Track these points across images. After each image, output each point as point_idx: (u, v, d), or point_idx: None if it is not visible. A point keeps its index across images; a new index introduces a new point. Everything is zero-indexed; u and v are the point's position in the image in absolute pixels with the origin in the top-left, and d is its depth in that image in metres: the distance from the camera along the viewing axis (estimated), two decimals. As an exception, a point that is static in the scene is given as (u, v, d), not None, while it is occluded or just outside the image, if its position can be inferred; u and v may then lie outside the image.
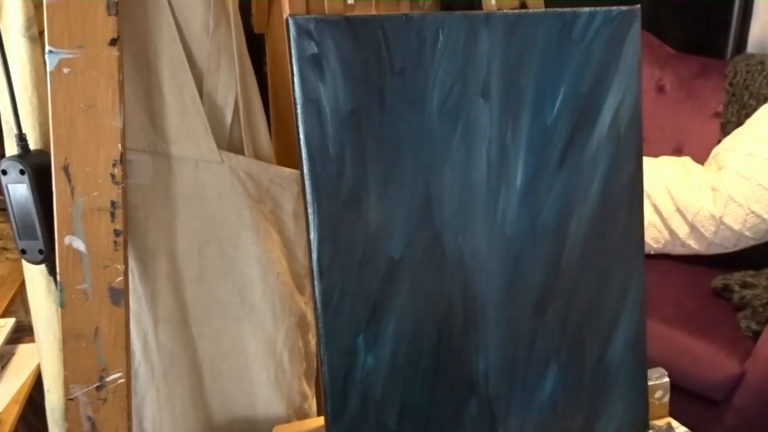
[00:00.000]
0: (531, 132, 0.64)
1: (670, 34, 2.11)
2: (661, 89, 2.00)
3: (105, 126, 0.60)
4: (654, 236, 1.72)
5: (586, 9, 0.64)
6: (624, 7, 0.65)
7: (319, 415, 0.84)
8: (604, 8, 0.64)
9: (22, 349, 1.27)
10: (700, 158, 1.78)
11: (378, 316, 0.62)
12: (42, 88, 0.69)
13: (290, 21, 0.56)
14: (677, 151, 1.92)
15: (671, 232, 1.69)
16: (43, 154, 0.69)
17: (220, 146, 0.71)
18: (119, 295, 0.63)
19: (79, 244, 0.62)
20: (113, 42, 0.59)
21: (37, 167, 0.67)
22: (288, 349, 0.79)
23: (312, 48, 0.57)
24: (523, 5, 0.69)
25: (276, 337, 0.78)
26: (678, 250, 1.72)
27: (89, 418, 0.65)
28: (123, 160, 0.62)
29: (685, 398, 1.45)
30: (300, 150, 0.58)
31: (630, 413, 0.72)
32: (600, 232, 0.67)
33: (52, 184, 0.61)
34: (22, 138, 0.69)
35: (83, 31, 0.59)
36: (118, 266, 0.63)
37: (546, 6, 0.67)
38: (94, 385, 0.64)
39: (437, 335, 0.64)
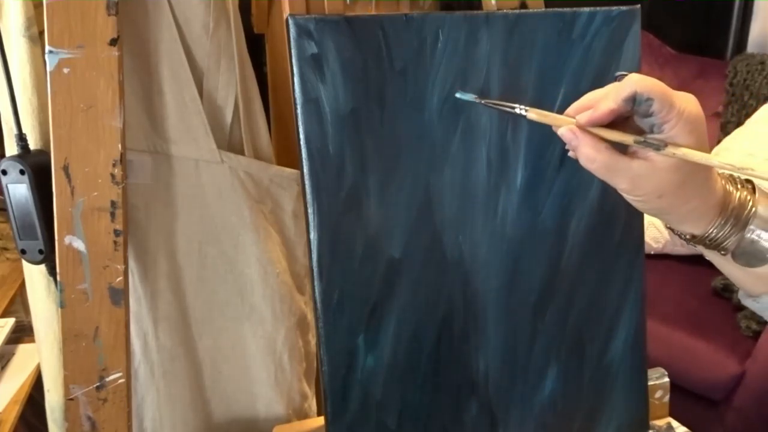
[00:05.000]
0: (531, 132, 0.64)
1: (670, 34, 2.11)
2: (661, 89, 2.00)
3: (105, 126, 0.60)
4: (654, 236, 1.72)
5: (586, 9, 0.64)
6: (624, 7, 0.65)
7: (319, 415, 0.84)
8: (604, 8, 0.64)
9: (22, 349, 1.27)
10: (700, 158, 1.78)
11: (378, 316, 0.62)
12: (42, 88, 0.69)
13: (290, 21, 0.56)
14: (677, 151, 1.91)
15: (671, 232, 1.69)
16: (43, 154, 0.69)
17: (220, 146, 0.71)
18: (119, 295, 0.63)
19: (79, 244, 0.62)
20: (113, 42, 0.59)
21: (37, 167, 0.67)
22: (288, 349, 0.79)
23: (312, 48, 0.57)
24: (523, 5, 0.69)
25: (276, 337, 0.78)
26: (678, 250, 1.72)
27: (89, 418, 0.65)
28: (123, 160, 0.62)
29: (685, 398, 1.45)
30: (300, 150, 0.58)
31: (630, 413, 0.72)
32: (600, 232, 0.67)
33: (52, 184, 0.61)
34: (22, 138, 0.69)
35: (83, 31, 0.59)
36: (118, 266, 0.63)
37: (546, 6, 0.67)
38: (94, 385, 0.64)
39: (437, 335, 0.64)
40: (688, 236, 0.51)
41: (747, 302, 0.54)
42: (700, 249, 0.52)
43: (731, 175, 0.50)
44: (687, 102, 0.45)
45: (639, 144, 0.46)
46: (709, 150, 0.46)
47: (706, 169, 0.47)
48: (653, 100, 0.44)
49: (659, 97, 0.44)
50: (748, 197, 0.49)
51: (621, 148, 0.47)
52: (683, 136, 0.45)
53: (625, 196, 0.49)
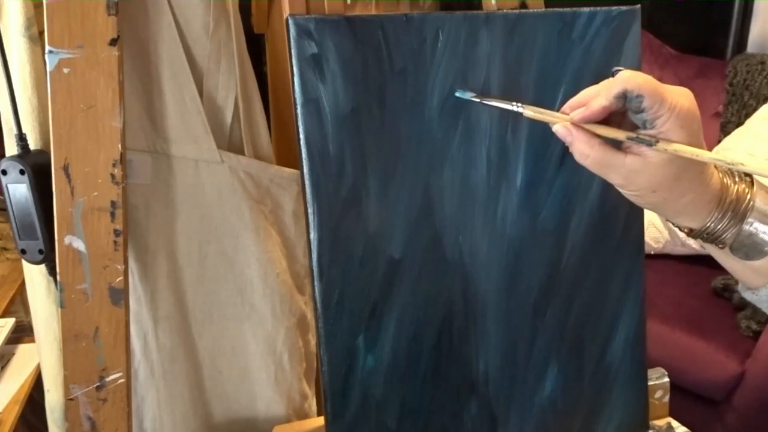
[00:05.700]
0: (531, 132, 0.64)
1: (670, 34, 2.11)
2: (661, 89, 2.00)
3: (105, 126, 0.60)
4: (654, 236, 1.72)
5: (586, 9, 0.64)
6: (624, 7, 0.65)
7: (319, 415, 0.84)
8: (604, 8, 0.64)
9: (22, 349, 1.27)
10: (700, 158, 1.78)
11: (378, 316, 0.62)
12: (42, 88, 0.69)
13: (290, 21, 0.56)
14: (677, 151, 1.91)
15: (671, 232, 1.69)
16: (43, 154, 0.69)
17: (220, 146, 0.71)
18: (119, 295, 0.63)
19: (79, 244, 0.62)
20: (113, 42, 0.59)
21: (37, 167, 0.67)
22: (288, 349, 0.79)
23: (312, 48, 0.57)
24: (523, 5, 0.69)
25: (276, 337, 0.78)
26: (678, 250, 1.72)
27: (89, 418, 0.65)
28: (123, 160, 0.62)
29: (685, 398, 1.45)
30: (300, 150, 0.58)
31: (630, 413, 0.72)
32: (600, 232, 0.67)
33: (52, 184, 0.61)
34: (22, 138, 0.69)
35: (83, 31, 0.59)
36: (118, 266, 0.63)
37: (546, 6, 0.67)
38: (94, 385, 0.64)
39: (437, 335, 0.64)
40: (686, 230, 0.51)
41: (746, 295, 0.54)
42: (698, 242, 0.52)
43: (730, 169, 0.50)
44: (679, 97, 0.45)
45: (631, 140, 0.46)
46: (703, 145, 0.46)
47: (700, 164, 0.47)
48: (643, 96, 0.44)
49: (649, 94, 0.44)
50: (746, 190, 0.49)
51: (615, 144, 0.47)
52: (675, 131, 0.45)
53: (621, 190, 0.49)
